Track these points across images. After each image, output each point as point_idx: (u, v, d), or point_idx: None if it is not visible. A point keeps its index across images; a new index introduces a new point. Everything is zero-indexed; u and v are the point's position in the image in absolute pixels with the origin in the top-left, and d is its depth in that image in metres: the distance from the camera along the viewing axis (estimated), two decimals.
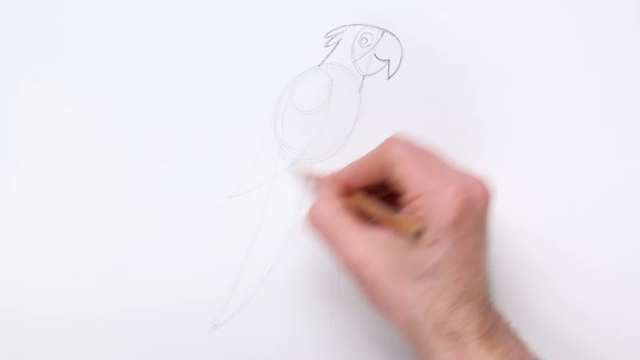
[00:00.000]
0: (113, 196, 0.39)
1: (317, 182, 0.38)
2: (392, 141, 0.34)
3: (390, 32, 0.41)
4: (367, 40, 0.41)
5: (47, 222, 0.39)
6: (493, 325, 0.32)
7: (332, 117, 0.40)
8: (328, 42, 0.41)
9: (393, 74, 0.41)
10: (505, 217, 0.39)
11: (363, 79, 0.41)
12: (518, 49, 0.42)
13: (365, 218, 0.35)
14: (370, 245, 0.33)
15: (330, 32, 0.41)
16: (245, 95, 0.40)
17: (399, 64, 0.41)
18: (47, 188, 0.39)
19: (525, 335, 0.33)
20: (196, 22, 0.41)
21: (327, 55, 0.40)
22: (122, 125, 0.40)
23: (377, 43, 0.41)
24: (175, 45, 0.40)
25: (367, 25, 0.41)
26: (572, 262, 0.39)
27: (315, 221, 0.35)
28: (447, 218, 0.31)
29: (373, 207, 0.35)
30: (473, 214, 0.32)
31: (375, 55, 0.41)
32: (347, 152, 0.39)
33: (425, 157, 0.34)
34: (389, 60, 0.41)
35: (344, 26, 0.41)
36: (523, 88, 0.41)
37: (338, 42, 0.41)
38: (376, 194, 0.36)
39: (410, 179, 0.33)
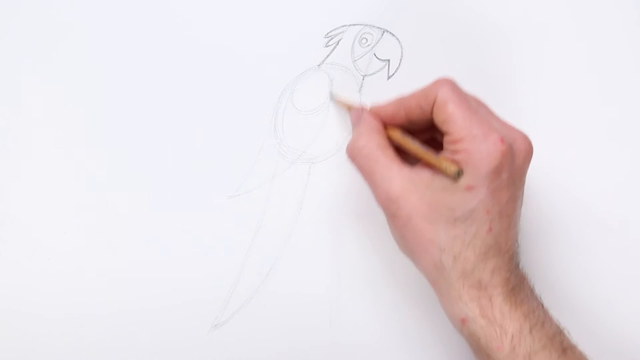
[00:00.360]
0: (113, 196, 0.39)
1: (358, 113, 0.37)
2: (441, 81, 0.33)
3: (390, 32, 0.41)
4: (367, 40, 0.41)
5: (47, 222, 0.39)
6: (518, 283, 0.32)
7: (332, 117, 0.40)
8: (328, 42, 0.41)
9: (393, 74, 0.41)
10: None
11: (363, 79, 0.41)
12: (519, 48, 0.42)
13: (403, 155, 0.35)
14: (409, 182, 0.33)
15: (330, 32, 0.41)
16: (245, 95, 0.40)
17: (399, 64, 0.41)
18: (47, 188, 0.39)
19: (547, 302, 0.33)
20: (196, 22, 0.41)
21: (327, 55, 0.41)
22: (122, 126, 0.40)
23: (377, 43, 0.41)
24: (175, 46, 0.40)
25: (367, 25, 0.41)
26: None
27: (355, 154, 0.35)
28: (488, 165, 0.31)
29: (413, 143, 0.34)
30: (513, 166, 0.32)
31: (375, 55, 0.41)
32: None
33: (473, 102, 0.33)
34: (389, 60, 0.41)
35: (344, 26, 0.41)
36: (523, 87, 0.41)
37: (338, 42, 0.41)
38: (417, 136, 0.35)
39: (455, 121, 0.32)
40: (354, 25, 0.41)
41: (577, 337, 0.33)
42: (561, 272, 0.40)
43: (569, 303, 0.39)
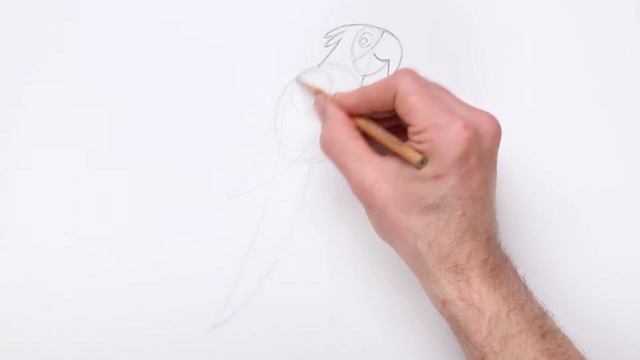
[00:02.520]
0: (113, 196, 0.39)
1: (321, 103, 0.37)
2: (401, 72, 0.33)
3: (390, 32, 0.41)
4: (367, 40, 0.41)
5: (47, 222, 0.39)
6: (499, 264, 0.32)
7: None
8: (328, 42, 0.41)
9: None
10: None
11: (363, 79, 0.41)
12: (519, 48, 0.42)
13: (374, 143, 0.35)
14: (380, 172, 0.33)
15: (330, 32, 0.41)
16: (245, 95, 0.40)
17: (399, 64, 0.41)
18: (47, 188, 0.39)
19: (531, 283, 0.33)
20: (196, 22, 0.41)
21: (327, 55, 0.40)
22: (122, 126, 0.40)
23: (377, 43, 0.41)
24: (175, 46, 0.40)
25: (367, 25, 0.41)
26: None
27: (328, 148, 0.35)
28: (454, 153, 0.31)
29: (378, 130, 0.34)
30: (480, 149, 0.32)
31: (375, 55, 0.41)
32: None
33: (435, 91, 0.33)
34: (388, 60, 0.41)
35: (344, 26, 0.41)
36: (523, 86, 0.41)
37: (338, 42, 0.41)
38: (383, 123, 0.36)
39: (418, 111, 0.32)
40: (353, 25, 0.41)
41: (563, 319, 0.33)
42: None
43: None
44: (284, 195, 0.40)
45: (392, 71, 0.41)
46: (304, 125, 0.40)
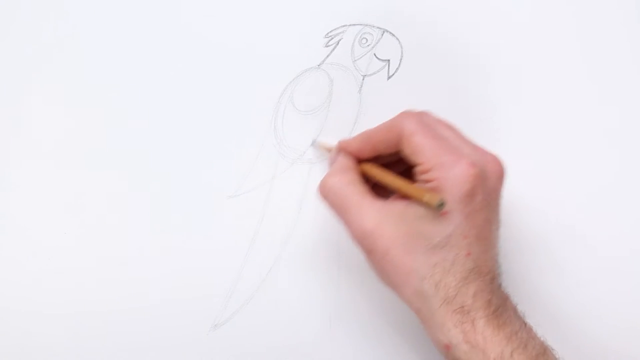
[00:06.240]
0: (113, 196, 0.39)
1: (335, 154, 0.37)
2: (404, 114, 0.34)
3: (390, 32, 0.41)
4: (367, 40, 0.41)
5: (47, 222, 0.39)
6: (501, 304, 0.32)
7: (332, 117, 0.40)
8: (328, 42, 0.41)
9: (393, 74, 0.41)
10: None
11: (363, 79, 0.41)
12: (519, 48, 0.42)
13: (380, 190, 0.35)
14: (383, 215, 0.32)
15: (330, 32, 0.41)
16: (246, 95, 0.40)
17: (399, 64, 0.41)
18: (47, 188, 0.39)
19: (532, 320, 0.33)
20: (196, 22, 0.41)
21: (327, 55, 0.40)
22: (122, 125, 0.40)
23: (377, 43, 0.41)
24: (176, 46, 0.40)
25: (367, 25, 0.41)
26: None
27: (326, 192, 0.35)
28: (460, 190, 0.31)
29: (386, 174, 0.34)
30: (486, 188, 0.32)
31: (375, 55, 0.41)
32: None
33: (439, 130, 0.33)
34: (389, 60, 0.41)
35: (344, 26, 0.41)
36: (523, 85, 0.41)
37: (338, 42, 0.41)
38: (391, 169, 0.35)
39: (423, 151, 0.32)
40: (354, 25, 0.41)
41: (563, 352, 0.33)
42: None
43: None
44: (284, 196, 0.40)
45: (392, 71, 0.41)
46: (304, 126, 0.40)
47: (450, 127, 0.34)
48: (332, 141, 0.38)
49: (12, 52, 0.40)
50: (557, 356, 0.32)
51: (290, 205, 0.40)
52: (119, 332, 0.38)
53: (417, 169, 0.33)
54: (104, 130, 0.40)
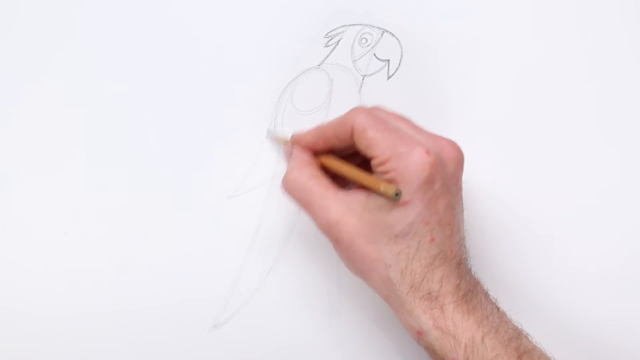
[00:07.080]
0: (113, 196, 0.39)
1: (290, 148, 0.38)
2: (355, 110, 0.34)
3: (390, 32, 0.41)
4: (367, 40, 0.41)
5: (47, 222, 0.39)
6: (470, 289, 0.32)
7: (332, 117, 0.40)
8: (328, 42, 0.41)
9: (393, 74, 0.41)
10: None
11: (363, 79, 0.41)
12: (520, 48, 0.42)
13: (340, 181, 0.35)
14: (345, 207, 0.33)
15: (330, 32, 0.41)
16: (246, 95, 0.40)
17: (399, 64, 0.41)
18: (47, 188, 0.39)
19: (505, 306, 0.33)
20: (196, 22, 0.41)
21: (327, 55, 0.41)
22: (122, 126, 0.40)
23: (377, 43, 0.41)
24: (175, 46, 0.40)
25: (367, 25, 0.41)
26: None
27: (289, 188, 0.35)
28: (418, 178, 0.31)
29: (344, 166, 0.35)
30: (444, 174, 0.32)
31: (375, 55, 0.41)
32: None
33: (392, 122, 0.34)
34: (388, 60, 0.41)
35: (343, 26, 0.41)
36: (523, 85, 0.41)
37: (338, 42, 0.41)
38: (351, 160, 0.36)
39: (377, 144, 0.32)
40: (354, 25, 0.41)
41: (539, 337, 0.33)
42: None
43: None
44: (284, 195, 0.40)
45: (392, 71, 0.41)
46: (304, 125, 0.40)
47: (402, 119, 0.35)
48: (287, 133, 0.38)
49: (12, 52, 0.40)
50: (532, 340, 0.32)
51: (290, 205, 0.40)
52: (118, 331, 0.38)
53: (374, 162, 0.33)
54: (104, 130, 0.40)
